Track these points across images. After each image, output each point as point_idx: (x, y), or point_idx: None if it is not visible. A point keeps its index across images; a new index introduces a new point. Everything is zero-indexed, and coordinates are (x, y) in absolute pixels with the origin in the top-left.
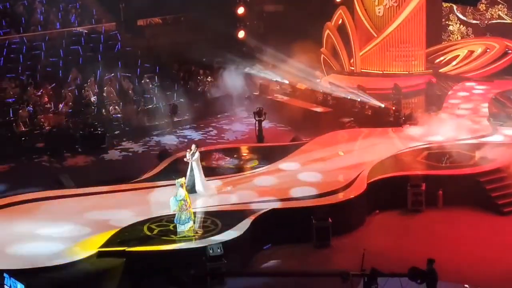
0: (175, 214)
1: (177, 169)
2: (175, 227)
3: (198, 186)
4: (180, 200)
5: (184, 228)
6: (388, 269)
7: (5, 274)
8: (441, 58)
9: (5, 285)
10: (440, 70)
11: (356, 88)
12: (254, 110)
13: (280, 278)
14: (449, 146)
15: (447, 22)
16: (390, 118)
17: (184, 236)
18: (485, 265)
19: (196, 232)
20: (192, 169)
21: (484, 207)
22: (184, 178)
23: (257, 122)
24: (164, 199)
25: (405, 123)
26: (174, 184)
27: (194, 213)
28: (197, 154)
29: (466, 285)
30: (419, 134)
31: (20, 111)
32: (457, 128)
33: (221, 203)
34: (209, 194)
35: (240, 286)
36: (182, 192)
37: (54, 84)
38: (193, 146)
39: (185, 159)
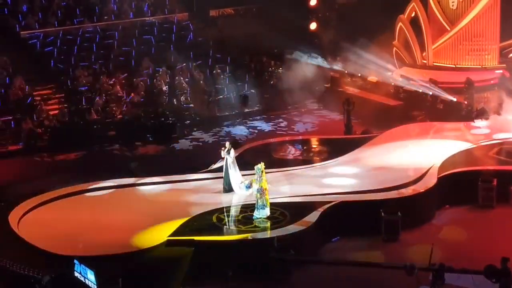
0: (243, 205)
1: (247, 160)
2: (243, 217)
3: (234, 185)
4: (257, 190)
5: (259, 214)
6: (458, 265)
7: (75, 261)
8: None
9: (75, 271)
10: None
11: (428, 81)
12: (342, 100)
13: (345, 269)
14: None
15: None
16: (462, 112)
17: (254, 226)
18: None
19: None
20: (227, 167)
21: None
22: (263, 163)
23: (345, 111)
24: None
25: (477, 117)
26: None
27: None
28: (232, 152)
29: None
30: (491, 129)
31: (98, 98)
32: None
33: (290, 195)
34: (244, 194)
35: (305, 276)
36: (257, 181)
37: (126, 74)
38: (227, 144)
39: (222, 155)
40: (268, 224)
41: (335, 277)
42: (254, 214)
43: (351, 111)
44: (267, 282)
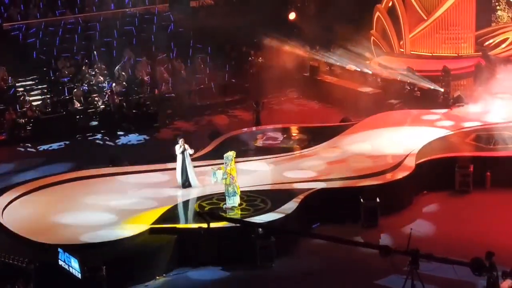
0: (224, 192)
1: (228, 149)
2: (224, 205)
3: (192, 180)
4: (223, 175)
5: (231, 201)
6: (436, 251)
7: (59, 249)
8: (490, 41)
9: (59, 260)
10: (490, 53)
11: (405, 69)
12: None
13: (324, 256)
14: (497, 128)
15: (496, 4)
16: (439, 100)
17: (234, 214)
18: None
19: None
20: (188, 162)
21: None
22: (233, 152)
23: (254, 112)
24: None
25: (454, 105)
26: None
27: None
28: (188, 148)
29: None
30: (467, 116)
31: (75, 90)
32: (506, 110)
33: (271, 182)
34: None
35: (287, 265)
36: (225, 168)
37: (108, 64)
38: (181, 141)
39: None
40: (239, 211)
41: (315, 263)
42: (226, 202)
43: (260, 112)
44: (251, 269)
